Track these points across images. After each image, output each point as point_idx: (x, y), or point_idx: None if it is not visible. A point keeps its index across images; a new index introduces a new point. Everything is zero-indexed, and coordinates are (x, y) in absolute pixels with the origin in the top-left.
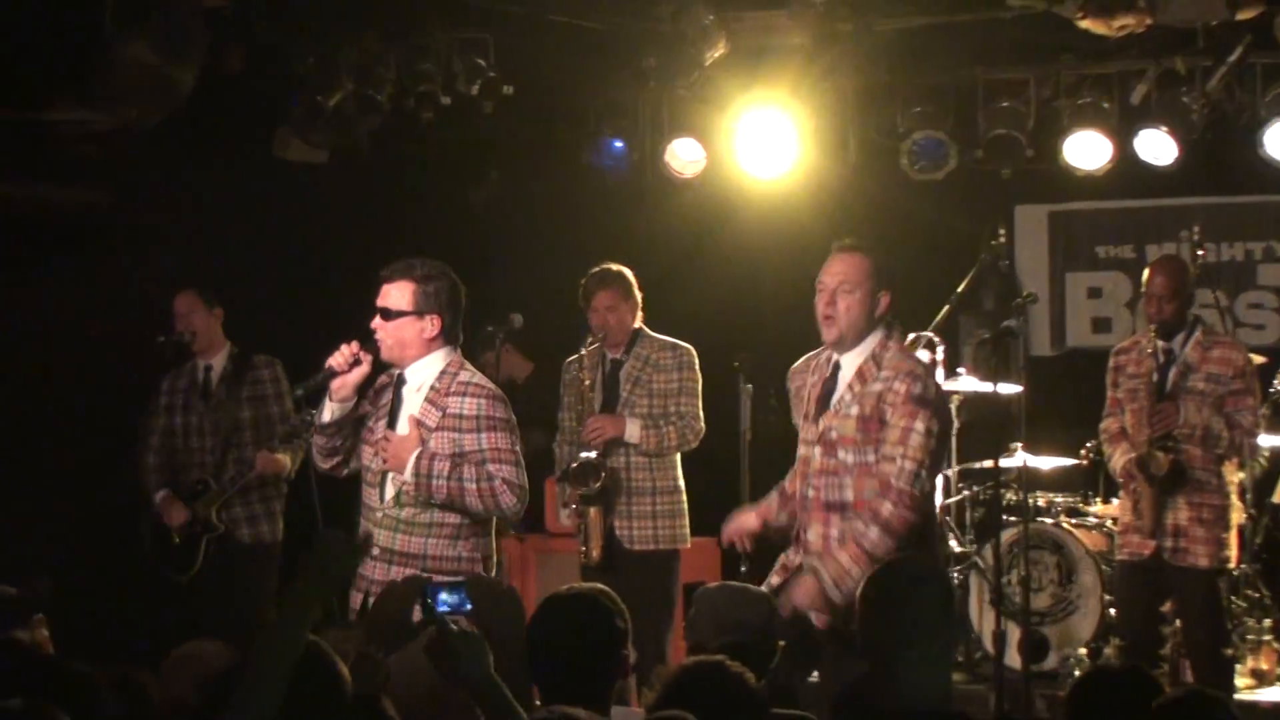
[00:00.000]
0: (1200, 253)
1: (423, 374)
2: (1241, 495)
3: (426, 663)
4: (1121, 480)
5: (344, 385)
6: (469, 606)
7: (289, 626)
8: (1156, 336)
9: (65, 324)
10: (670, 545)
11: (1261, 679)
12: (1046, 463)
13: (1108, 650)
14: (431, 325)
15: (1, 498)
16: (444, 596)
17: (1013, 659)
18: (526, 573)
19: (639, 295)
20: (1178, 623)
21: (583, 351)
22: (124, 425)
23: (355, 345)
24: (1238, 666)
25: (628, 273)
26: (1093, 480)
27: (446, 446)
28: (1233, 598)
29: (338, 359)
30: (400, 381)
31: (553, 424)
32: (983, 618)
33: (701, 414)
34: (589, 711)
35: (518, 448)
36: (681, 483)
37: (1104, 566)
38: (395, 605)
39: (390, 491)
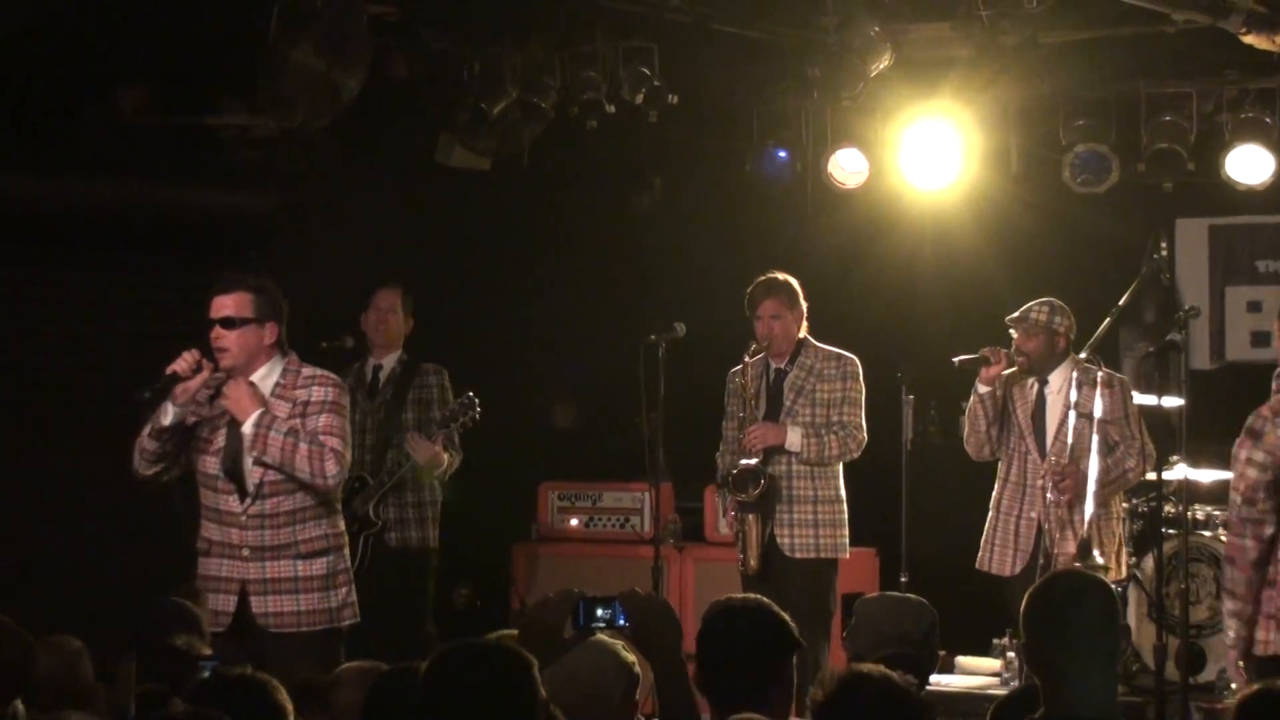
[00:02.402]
0: None
1: (266, 382)
2: None
3: (579, 673)
4: None
5: (186, 391)
6: (623, 621)
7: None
8: None
9: None
10: (831, 555)
11: None
12: (1206, 476)
13: None
14: (270, 332)
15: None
16: (599, 611)
17: (1169, 671)
18: (685, 582)
19: (804, 305)
20: None
21: (746, 360)
22: None
23: (196, 353)
24: None
25: (794, 282)
26: None
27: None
28: None
29: (181, 364)
30: None
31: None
32: (1141, 630)
33: (864, 424)
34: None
35: (348, 429)
36: (843, 492)
37: None
38: (549, 617)
39: (251, 485)
